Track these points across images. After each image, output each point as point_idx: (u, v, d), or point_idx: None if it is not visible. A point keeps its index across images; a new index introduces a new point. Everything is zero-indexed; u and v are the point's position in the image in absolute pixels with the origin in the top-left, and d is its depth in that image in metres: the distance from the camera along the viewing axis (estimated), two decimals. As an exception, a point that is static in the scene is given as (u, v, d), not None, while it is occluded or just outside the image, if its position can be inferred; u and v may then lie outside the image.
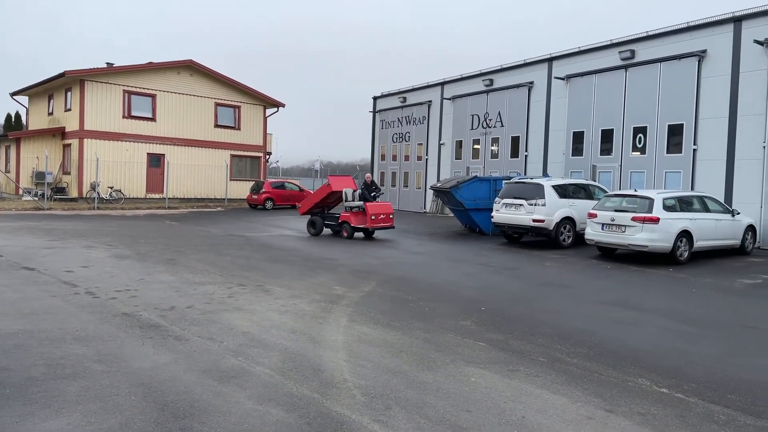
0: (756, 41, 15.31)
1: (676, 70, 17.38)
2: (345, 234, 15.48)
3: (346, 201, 15.61)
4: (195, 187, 29.94)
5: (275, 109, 33.09)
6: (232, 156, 31.35)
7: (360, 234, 15.90)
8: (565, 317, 7.22)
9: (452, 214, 20.46)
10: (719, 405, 4.45)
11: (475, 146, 25.43)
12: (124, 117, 27.69)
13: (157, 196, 28.42)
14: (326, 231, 16.38)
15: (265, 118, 32.88)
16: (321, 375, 4.81)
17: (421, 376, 4.86)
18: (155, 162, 28.72)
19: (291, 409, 4.08)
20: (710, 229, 12.62)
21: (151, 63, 29.08)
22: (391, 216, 15.32)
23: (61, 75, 26.12)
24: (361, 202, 15.35)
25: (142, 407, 4.03)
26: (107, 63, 29.09)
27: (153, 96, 28.62)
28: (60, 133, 28.32)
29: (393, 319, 6.82)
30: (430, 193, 26.51)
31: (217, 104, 30.80)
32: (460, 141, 26.25)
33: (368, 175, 16.87)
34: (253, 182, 29.31)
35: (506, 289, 8.99)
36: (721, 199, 15.23)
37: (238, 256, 11.69)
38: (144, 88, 28.27)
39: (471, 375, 4.94)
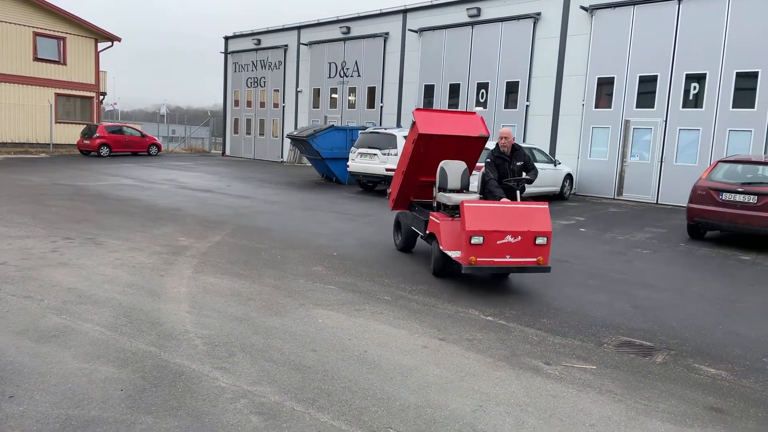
0: (582, 7, 16.97)
1: (515, 31, 18.69)
2: (435, 265, 6.79)
3: (440, 190, 7.37)
4: (11, 131, 25.86)
5: (109, 43, 29.42)
6: (58, 95, 27.47)
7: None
8: (411, 258, 7.65)
9: (310, 164, 20.30)
10: (533, 328, 5.10)
11: (333, 95, 25.23)
12: None
13: (-40, 139, 24.11)
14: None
15: (97, 53, 29.11)
16: (159, 328, 4.57)
17: (269, 322, 4.86)
18: (-45, 99, 24.16)
19: (123, 365, 3.83)
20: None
21: (-59, -24, 23.92)
22: (539, 241, 6.02)
23: None
24: (473, 197, 6.99)
25: (-64, 378, 3.49)
26: None
27: (-54, 18, 23.71)
28: None
29: (242, 268, 6.67)
30: (287, 141, 25.93)
31: (36, 34, 26.48)
32: (318, 89, 25.84)
33: (507, 130, 7.28)
34: (85, 126, 26.10)
35: (358, 236, 9.24)
36: (548, 151, 17.07)
37: (66, 207, 10.45)
38: (-67, 7, 23.27)
39: (319, 317, 5.05)
